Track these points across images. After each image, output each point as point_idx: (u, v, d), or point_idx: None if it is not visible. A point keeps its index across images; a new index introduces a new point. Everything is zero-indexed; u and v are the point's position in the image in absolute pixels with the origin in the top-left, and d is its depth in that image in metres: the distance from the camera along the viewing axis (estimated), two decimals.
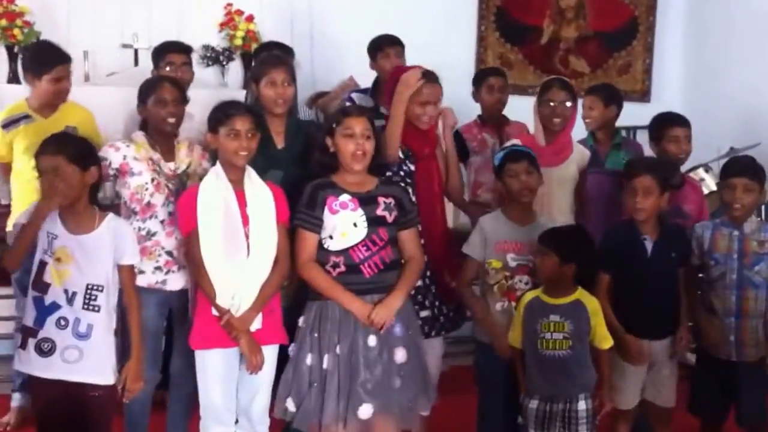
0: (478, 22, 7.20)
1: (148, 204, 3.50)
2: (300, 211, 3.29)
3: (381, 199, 3.32)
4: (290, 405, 3.28)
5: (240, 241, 3.24)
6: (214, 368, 3.31)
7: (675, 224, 3.70)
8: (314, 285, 3.28)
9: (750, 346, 3.60)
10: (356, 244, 3.24)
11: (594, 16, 7.40)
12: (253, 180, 3.34)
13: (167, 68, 4.43)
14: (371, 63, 5.02)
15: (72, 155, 3.09)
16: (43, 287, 3.09)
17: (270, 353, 3.35)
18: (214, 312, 3.26)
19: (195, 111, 3.81)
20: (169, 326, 3.81)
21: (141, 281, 3.41)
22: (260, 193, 3.32)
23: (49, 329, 3.07)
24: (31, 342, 3.08)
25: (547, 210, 3.87)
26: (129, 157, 3.51)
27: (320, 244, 3.28)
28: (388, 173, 3.59)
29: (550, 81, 4.15)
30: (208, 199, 3.26)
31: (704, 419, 3.78)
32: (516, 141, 4.09)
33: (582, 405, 3.35)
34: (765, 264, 3.59)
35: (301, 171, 3.53)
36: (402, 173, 3.68)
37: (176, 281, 3.54)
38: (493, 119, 5.03)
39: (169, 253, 3.52)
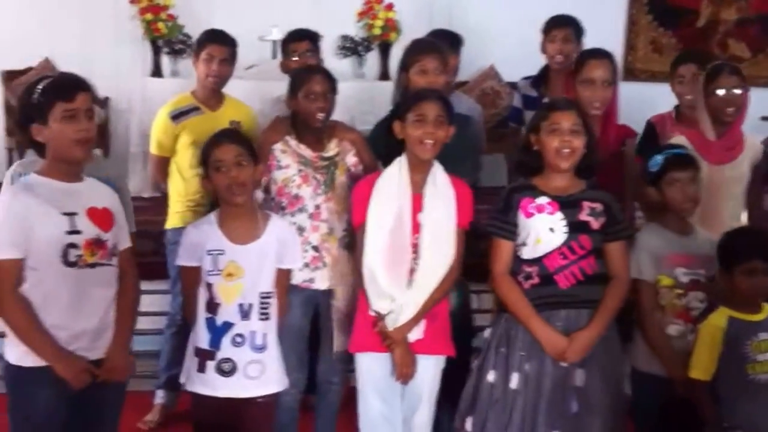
0: (629, 5, 6.92)
1: (296, 197, 3.36)
2: (494, 216, 3.04)
3: (586, 204, 2.99)
4: (468, 425, 3.04)
5: (404, 253, 3.04)
6: (372, 374, 3.13)
7: None
8: (506, 302, 3.01)
9: None
10: (551, 252, 2.95)
11: None
12: (437, 180, 3.10)
13: (293, 58, 4.17)
14: (541, 46, 4.54)
15: (251, 149, 2.99)
16: (213, 308, 2.95)
17: (431, 364, 3.12)
18: (372, 313, 3.09)
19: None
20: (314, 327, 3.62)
21: None
22: (441, 197, 3.08)
23: (226, 349, 2.94)
24: (210, 364, 2.94)
25: (714, 214, 3.50)
26: (276, 149, 3.39)
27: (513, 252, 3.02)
28: None
29: (718, 66, 3.70)
30: (382, 198, 3.07)
31: None
32: (679, 138, 3.72)
33: None
34: None
35: (455, 170, 3.25)
36: None
37: (323, 280, 3.38)
38: (691, 114, 4.23)
39: (315, 248, 3.37)
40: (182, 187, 4.01)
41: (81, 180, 2.76)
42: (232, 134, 3.08)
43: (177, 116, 4.04)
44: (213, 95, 4.10)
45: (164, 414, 4.12)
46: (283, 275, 3.06)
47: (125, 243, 2.84)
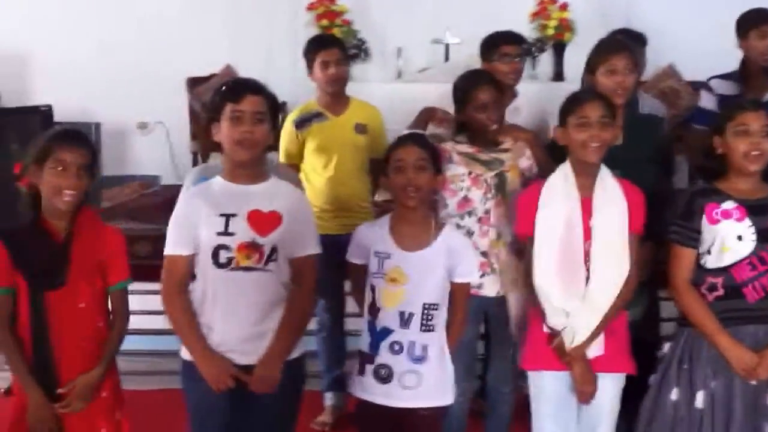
0: None
1: (466, 198, 3.31)
2: (675, 222, 2.89)
3: None
4: None
5: (577, 263, 2.91)
6: (546, 392, 3.00)
7: None
8: (689, 315, 2.87)
9: None
10: (739, 262, 2.79)
11: None
12: (605, 184, 2.97)
13: (501, 61, 3.95)
14: (740, 42, 4.25)
15: (435, 156, 2.96)
16: (374, 311, 2.93)
17: (611, 383, 2.97)
18: (546, 329, 2.98)
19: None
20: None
21: None
22: (611, 201, 2.95)
23: (384, 355, 2.91)
24: (369, 368, 2.93)
25: None
26: (448, 146, 3.34)
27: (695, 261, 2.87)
28: None
29: None
30: (549, 205, 2.96)
31: None
32: None
33: None
34: None
35: (641, 173, 3.16)
36: None
37: (492, 286, 3.31)
38: None
39: (484, 254, 3.30)
40: (309, 192, 3.97)
41: (261, 181, 2.78)
42: (418, 138, 3.03)
43: (300, 123, 4.07)
44: (335, 100, 4.08)
45: (336, 415, 4.14)
46: (460, 289, 2.97)
47: (303, 250, 2.78)
